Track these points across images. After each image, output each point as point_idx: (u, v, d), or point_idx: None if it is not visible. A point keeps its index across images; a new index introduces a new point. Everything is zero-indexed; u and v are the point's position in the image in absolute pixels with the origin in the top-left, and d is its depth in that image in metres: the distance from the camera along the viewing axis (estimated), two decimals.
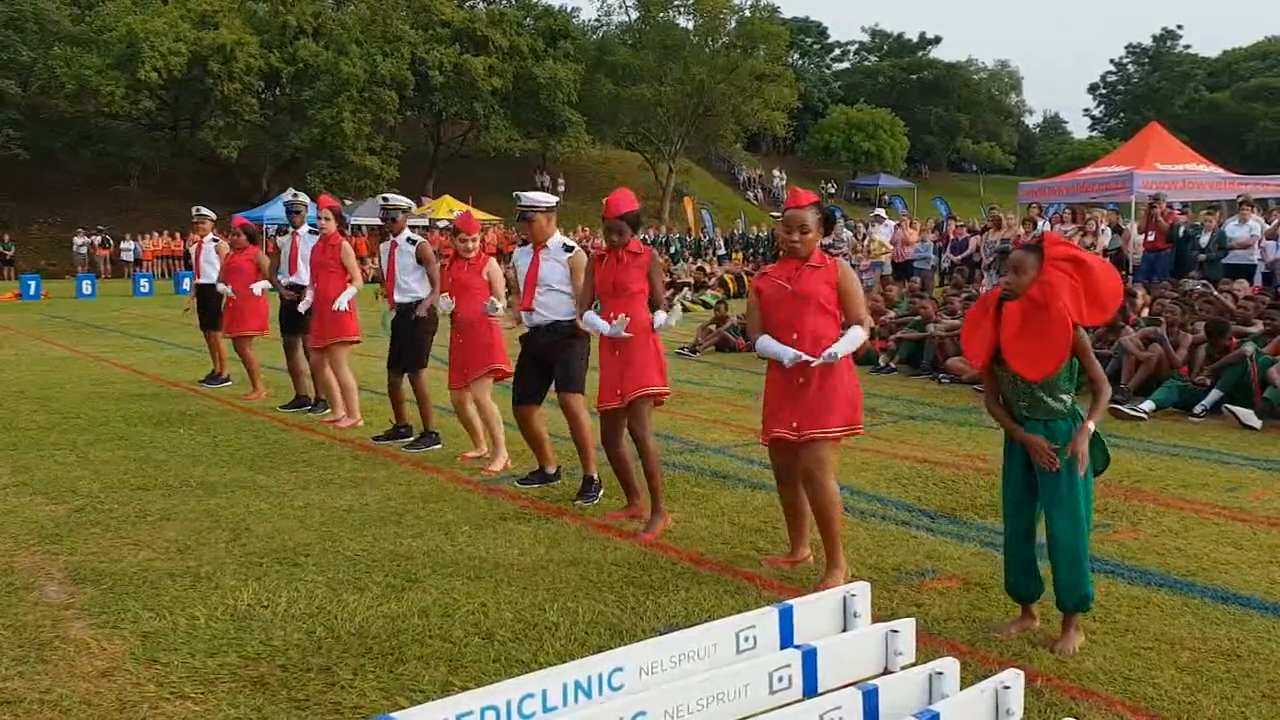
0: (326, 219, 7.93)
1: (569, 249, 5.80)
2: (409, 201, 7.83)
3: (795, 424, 4.26)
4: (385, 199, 7.57)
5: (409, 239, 7.36)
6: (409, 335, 7.25)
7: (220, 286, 9.50)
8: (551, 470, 6.17)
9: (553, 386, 5.81)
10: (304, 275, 8.43)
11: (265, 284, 9.25)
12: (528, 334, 5.90)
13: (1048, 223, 17.09)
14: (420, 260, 7.27)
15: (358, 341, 7.98)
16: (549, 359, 5.77)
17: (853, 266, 20.52)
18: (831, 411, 4.23)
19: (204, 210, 10.42)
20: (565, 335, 5.72)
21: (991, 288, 4.14)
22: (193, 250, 10.56)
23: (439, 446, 7.18)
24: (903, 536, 5.06)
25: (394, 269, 7.30)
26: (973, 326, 3.88)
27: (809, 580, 4.37)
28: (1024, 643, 3.72)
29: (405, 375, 7.33)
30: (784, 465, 4.48)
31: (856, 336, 4.26)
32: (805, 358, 4.16)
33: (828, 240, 20.23)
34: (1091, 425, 3.65)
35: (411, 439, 7.33)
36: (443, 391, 7.08)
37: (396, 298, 7.30)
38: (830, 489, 4.30)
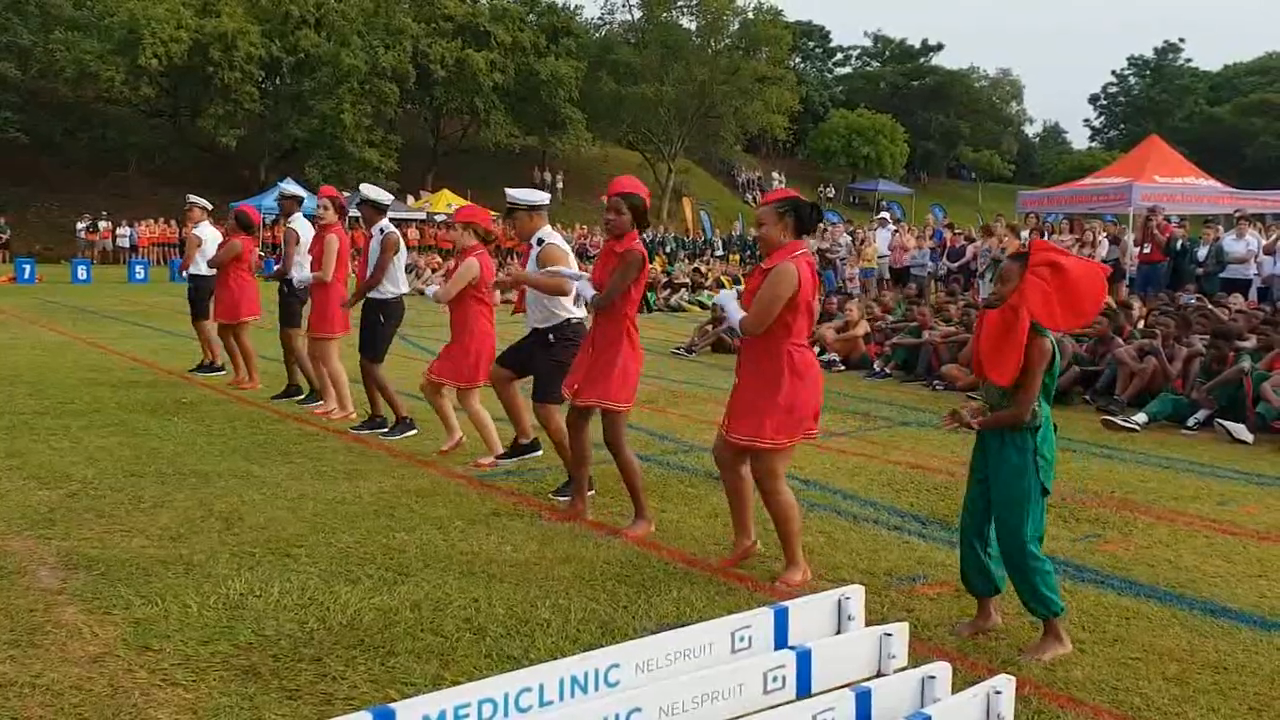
0: (325, 208, 7.92)
1: (540, 242, 5.72)
2: (386, 195, 7.71)
3: (726, 421, 4.46)
4: (361, 192, 7.47)
5: (380, 228, 7.36)
6: (374, 326, 7.28)
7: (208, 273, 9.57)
8: (526, 441, 6.25)
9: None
10: (305, 265, 8.42)
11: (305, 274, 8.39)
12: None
13: (1047, 233, 17.12)
14: (381, 249, 7.26)
15: (335, 337, 7.91)
16: (534, 364, 5.81)
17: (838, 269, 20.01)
18: (744, 418, 4.34)
19: (194, 198, 10.26)
20: (545, 343, 5.71)
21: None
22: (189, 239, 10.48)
23: (415, 432, 7.21)
24: (895, 542, 5.08)
25: (365, 262, 7.37)
26: (973, 337, 3.95)
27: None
28: (1014, 650, 3.74)
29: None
30: (719, 456, 4.61)
31: (732, 312, 4.44)
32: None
33: (825, 244, 20.19)
34: (975, 424, 3.73)
35: (387, 428, 7.36)
36: (408, 382, 7.08)
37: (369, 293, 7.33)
38: (783, 499, 4.38)
